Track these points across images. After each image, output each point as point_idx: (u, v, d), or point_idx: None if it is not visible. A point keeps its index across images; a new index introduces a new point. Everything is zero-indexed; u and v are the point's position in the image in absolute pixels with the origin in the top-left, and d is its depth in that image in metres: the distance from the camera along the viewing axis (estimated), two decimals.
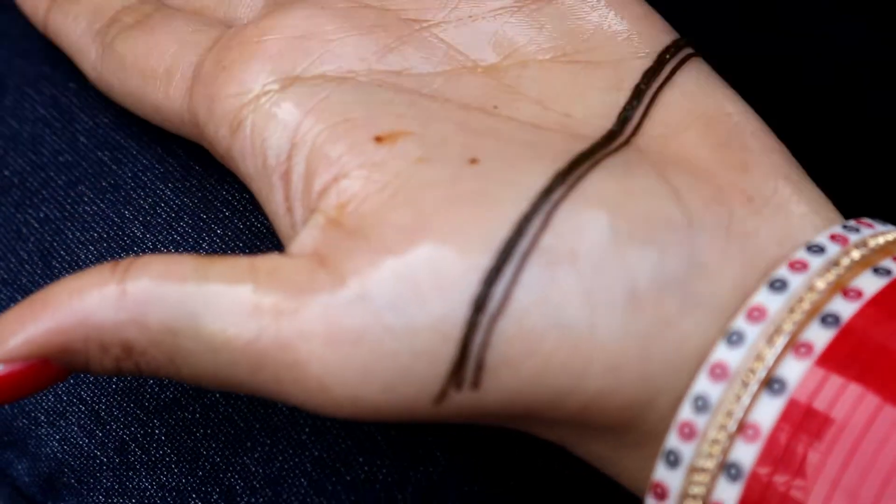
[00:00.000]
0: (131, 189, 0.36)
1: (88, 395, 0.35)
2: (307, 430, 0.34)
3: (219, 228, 0.35)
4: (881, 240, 0.30)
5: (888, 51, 0.41)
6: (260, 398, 0.34)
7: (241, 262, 0.30)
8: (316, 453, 0.34)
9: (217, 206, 0.36)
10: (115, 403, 0.35)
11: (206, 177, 0.36)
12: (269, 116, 0.31)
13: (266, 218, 0.35)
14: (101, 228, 0.36)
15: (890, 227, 0.31)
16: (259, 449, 0.34)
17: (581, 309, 0.28)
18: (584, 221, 0.29)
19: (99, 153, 0.37)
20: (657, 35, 0.33)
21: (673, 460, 0.29)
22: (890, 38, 0.39)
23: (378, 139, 0.30)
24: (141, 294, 0.29)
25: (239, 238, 0.35)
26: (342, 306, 0.28)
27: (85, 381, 0.35)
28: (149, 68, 0.35)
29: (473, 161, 0.30)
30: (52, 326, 0.29)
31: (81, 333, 0.29)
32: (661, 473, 0.29)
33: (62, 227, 0.37)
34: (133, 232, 0.36)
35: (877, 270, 0.29)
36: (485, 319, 0.28)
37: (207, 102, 0.33)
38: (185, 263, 0.29)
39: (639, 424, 0.29)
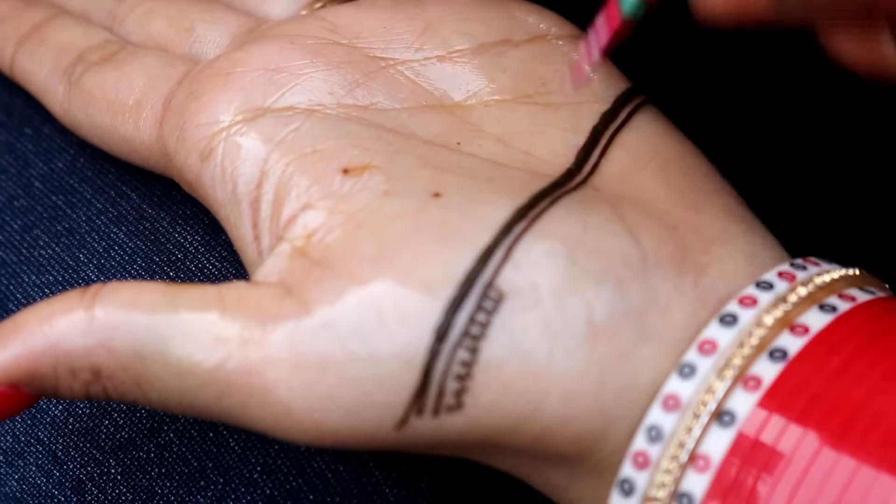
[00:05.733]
0: (85, 233, 0.37)
1: (46, 436, 0.35)
2: (258, 468, 0.34)
3: (171, 271, 0.36)
4: (827, 277, 0.31)
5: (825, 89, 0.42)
6: (212, 437, 0.34)
7: (209, 290, 0.30)
8: (267, 491, 0.34)
9: (169, 249, 0.36)
10: (71, 444, 0.35)
11: (158, 220, 0.37)
12: (239, 145, 0.32)
13: (218, 260, 0.36)
14: (57, 272, 0.36)
15: (835, 265, 0.31)
16: (212, 488, 0.34)
17: (540, 339, 0.29)
18: (543, 255, 0.30)
19: (54, 197, 0.37)
20: (613, 81, 0.34)
21: (627, 489, 0.29)
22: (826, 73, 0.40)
23: (345, 171, 0.31)
24: (109, 319, 0.30)
25: (191, 280, 0.36)
26: (308, 333, 0.29)
27: (42, 422, 0.35)
28: (118, 101, 0.35)
29: (437, 195, 0.31)
30: (21, 352, 0.30)
31: (51, 358, 0.30)
32: (617, 502, 0.30)
33: (18, 270, 0.37)
34: (88, 275, 0.36)
35: (822, 307, 0.30)
36: (447, 348, 0.29)
37: (178, 131, 0.33)
38: (153, 290, 0.30)
39: (594, 454, 0.30)
